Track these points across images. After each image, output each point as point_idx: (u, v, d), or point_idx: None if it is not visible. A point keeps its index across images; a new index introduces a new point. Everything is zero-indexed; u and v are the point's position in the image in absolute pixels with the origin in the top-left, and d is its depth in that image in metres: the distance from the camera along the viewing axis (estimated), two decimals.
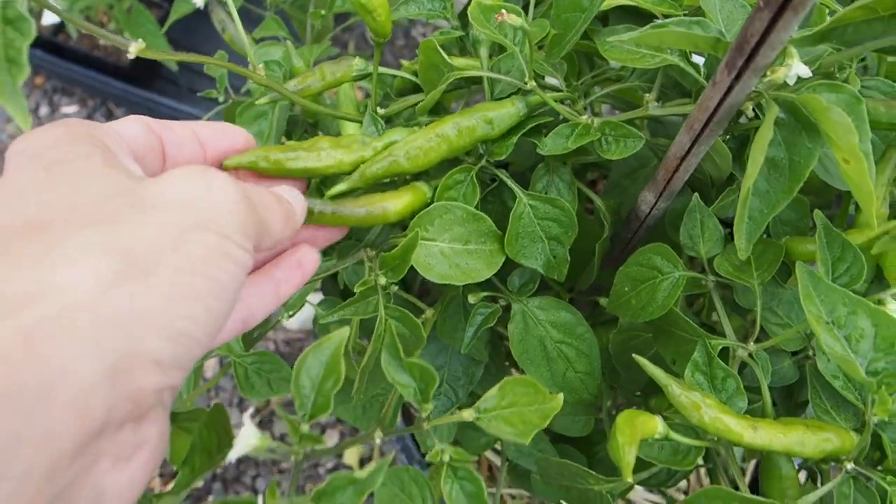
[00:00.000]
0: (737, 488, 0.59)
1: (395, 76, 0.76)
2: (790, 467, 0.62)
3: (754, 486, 1.06)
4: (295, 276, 0.53)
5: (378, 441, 0.55)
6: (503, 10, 0.57)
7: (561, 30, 0.64)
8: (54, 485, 0.31)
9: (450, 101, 0.84)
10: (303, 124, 0.89)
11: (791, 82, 0.52)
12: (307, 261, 0.54)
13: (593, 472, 0.66)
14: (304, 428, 0.50)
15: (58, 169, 0.38)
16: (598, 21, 0.70)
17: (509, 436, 0.52)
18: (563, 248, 0.66)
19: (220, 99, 0.97)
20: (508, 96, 0.65)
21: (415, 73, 0.72)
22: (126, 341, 0.33)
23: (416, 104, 0.70)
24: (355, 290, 0.60)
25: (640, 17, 0.69)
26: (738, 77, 0.50)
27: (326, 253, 0.75)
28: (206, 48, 0.84)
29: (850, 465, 0.57)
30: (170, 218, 0.37)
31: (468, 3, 0.66)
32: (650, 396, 0.82)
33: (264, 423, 1.60)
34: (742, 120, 0.62)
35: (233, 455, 0.47)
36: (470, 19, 0.63)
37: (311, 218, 0.56)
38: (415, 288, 0.99)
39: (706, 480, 1.21)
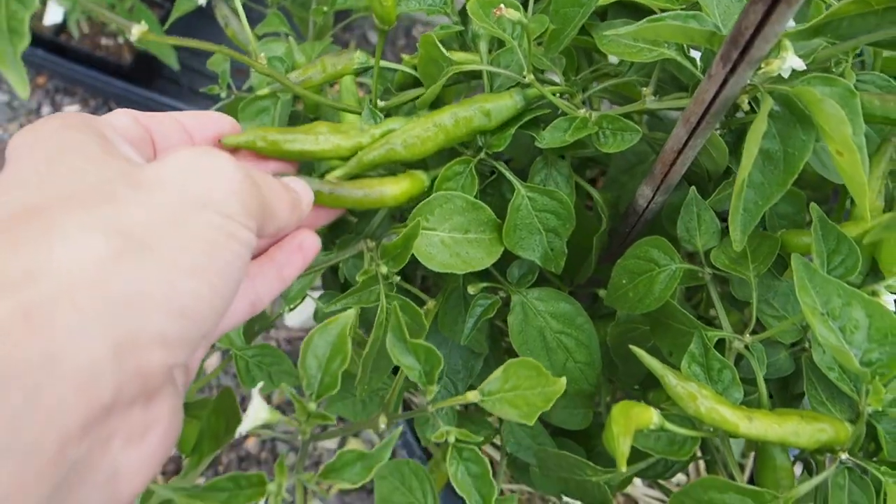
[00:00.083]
0: (733, 479, 0.60)
1: (395, 70, 0.77)
2: (785, 458, 0.63)
3: (753, 482, 1.07)
4: (297, 259, 0.54)
5: (383, 426, 0.56)
6: (501, 5, 0.57)
7: (559, 24, 0.65)
8: (65, 461, 0.31)
9: (450, 97, 0.84)
10: (304, 120, 0.89)
11: (786, 75, 0.52)
12: (308, 244, 0.55)
13: (590, 463, 0.66)
14: (312, 406, 0.51)
15: (57, 158, 0.38)
16: (596, 17, 0.71)
17: (514, 417, 0.52)
18: (561, 241, 0.67)
19: (223, 95, 0.98)
20: (507, 90, 0.66)
21: (415, 68, 0.73)
22: (129, 318, 0.33)
23: (416, 98, 0.70)
24: (357, 280, 0.60)
25: (638, 12, 0.69)
26: (733, 70, 0.51)
27: (327, 247, 0.75)
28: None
29: (844, 456, 0.57)
30: (170, 197, 0.38)
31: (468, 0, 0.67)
32: (648, 390, 0.82)
33: None
34: (739, 114, 0.63)
35: (243, 428, 0.48)
36: (469, 14, 0.64)
37: None
38: (416, 284, 0.99)
39: (705, 475, 1.22)
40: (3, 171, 0.39)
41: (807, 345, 0.68)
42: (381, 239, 0.65)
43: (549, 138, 0.63)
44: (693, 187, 0.67)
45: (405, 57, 0.76)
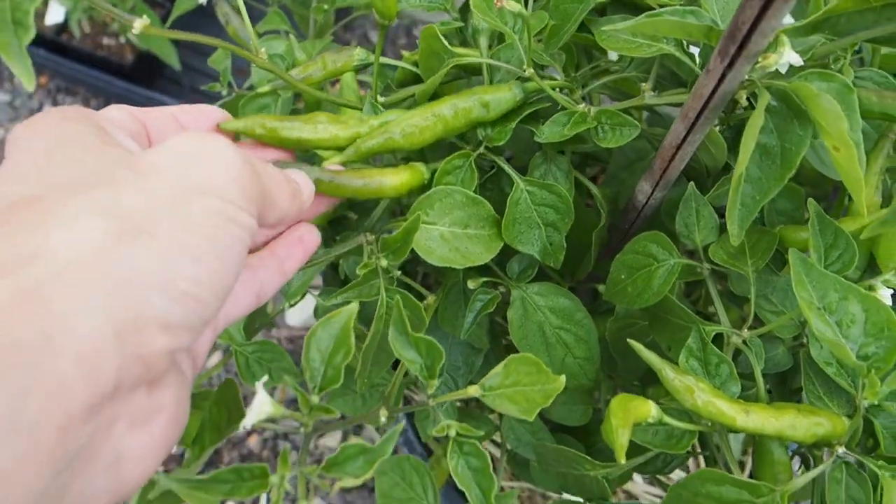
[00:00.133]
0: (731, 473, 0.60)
1: (396, 67, 0.77)
2: (782, 452, 0.63)
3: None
4: (298, 252, 0.54)
5: (383, 420, 0.56)
6: None
7: (559, 20, 0.65)
8: (67, 443, 0.31)
9: (449, 93, 0.85)
10: None
11: (783, 70, 0.53)
12: (308, 238, 0.55)
13: (588, 457, 0.67)
14: (314, 399, 0.51)
15: (56, 150, 0.38)
16: (595, 13, 0.71)
17: (513, 413, 0.52)
18: (560, 235, 0.67)
19: (224, 93, 0.98)
20: (506, 83, 0.66)
21: (415, 64, 0.73)
22: (128, 300, 0.33)
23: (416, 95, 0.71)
24: (357, 273, 0.60)
25: (636, 9, 0.69)
26: (730, 65, 0.51)
27: (327, 243, 0.76)
28: (208, 47, 0.84)
29: (841, 450, 0.58)
30: (169, 182, 0.38)
31: None
32: (648, 386, 0.83)
33: None
34: (738, 111, 0.63)
35: (248, 421, 0.48)
36: (471, 6, 0.64)
37: None
38: (417, 280, 1.00)
39: None
40: (3, 163, 0.39)
41: (805, 340, 0.68)
42: (380, 233, 0.65)
43: (548, 133, 0.63)
44: (692, 183, 0.68)
45: (405, 53, 0.76)
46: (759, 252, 0.65)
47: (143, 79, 2.02)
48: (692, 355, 0.62)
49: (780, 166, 0.55)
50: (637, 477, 1.27)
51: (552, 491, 0.85)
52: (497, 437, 0.89)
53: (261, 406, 0.48)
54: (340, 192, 0.59)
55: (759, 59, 0.52)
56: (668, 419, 0.59)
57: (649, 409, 0.58)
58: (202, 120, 0.55)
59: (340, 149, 0.62)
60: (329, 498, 1.60)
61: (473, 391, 0.54)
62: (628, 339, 0.61)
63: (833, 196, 0.84)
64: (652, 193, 0.68)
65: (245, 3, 0.69)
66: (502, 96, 0.64)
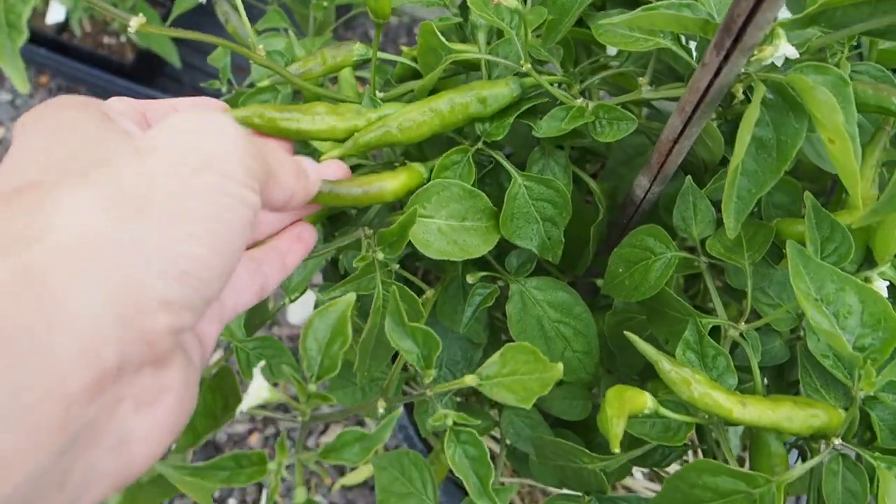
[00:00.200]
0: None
1: (395, 62, 0.77)
2: (779, 444, 0.64)
3: None
4: (298, 248, 0.54)
5: (381, 411, 0.56)
6: None
7: (557, 15, 0.66)
8: (70, 423, 0.31)
9: (448, 89, 0.85)
10: None
11: (779, 63, 0.53)
12: (307, 235, 0.56)
13: (586, 450, 0.67)
14: (312, 388, 0.51)
15: (58, 136, 0.38)
16: (593, 8, 0.72)
17: (510, 401, 0.53)
18: (558, 230, 0.67)
19: (223, 90, 0.99)
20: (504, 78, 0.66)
21: (415, 60, 0.73)
22: (128, 281, 0.33)
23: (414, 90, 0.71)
24: (354, 266, 0.61)
25: (634, 4, 0.70)
26: (726, 58, 0.51)
27: (327, 239, 0.76)
28: (208, 45, 0.85)
29: (837, 441, 0.58)
30: (168, 160, 0.37)
31: None
32: (646, 380, 0.83)
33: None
34: (735, 104, 0.63)
35: (244, 405, 0.48)
36: (469, 3, 0.64)
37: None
38: (418, 277, 1.00)
39: None
40: (9, 150, 0.39)
41: (802, 333, 0.68)
42: (378, 227, 0.65)
43: (546, 127, 0.64)
44: (689, 177, 0.68)
45: (405, 49, 0.77)
46: (756, 245, 0.65)
47: (144, 77, 2.02)
48: (689, 348, 0.62)
49: (776, 159, 0.55)
50: (637, 473, 1.27)
51: (551, 485, 0.85)
52: (497, 433, 0.89)
53: (258, 391, 0.48)
54: (341, 201, 0.59)
55: (755, 52, 0.52)
56: (664, 411, 0.59)
57: (645, 401, 0.58)
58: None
59: (338, 140, 0.62)
60: (330, 496, 1.60)
61: (470, 380, 0.55)
62: (625, 332, 0.61)
63: (832, 191, 0.84)
64: (650, 188, 0.68)
65: (245, 1, 0.69)
66: (499, 92, 0.64)
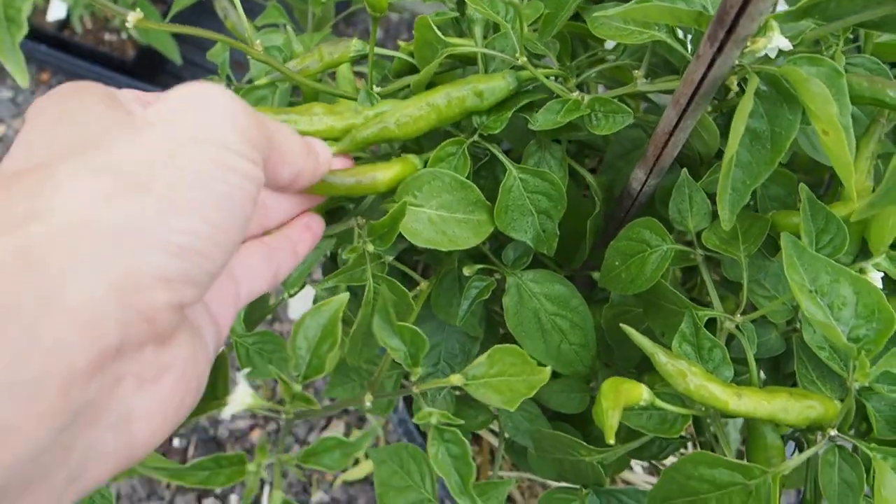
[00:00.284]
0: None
1: (393, 58, 0.78)
2: (775, 436, 0.64)
3: None
4: (307, 237, 0.55)
5: (368, 404, 0.56)
6: None
7: (553, 9, 0.66)
8: (70, 401, 0.31)
9: (445, 83, 0.85)
10: None
11: (772, 55, 0.53)
12: (315, 224, 0.56)
13: (583, 443, 0.67)
14: (297, 388, 0.51)
15: (64, 118, 0.38)
16: (590, 1, 0.72)
17: (496, 402, 0.53)
18: (553, 223, 0.67)
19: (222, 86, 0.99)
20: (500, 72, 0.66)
21: (412, 55, 0.74)
22: (125, 258, 0.33)
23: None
24: (344, 257, 0.61)
25: None
26: (720, 50, 0.51)
27: (326, 235, 0.76)
28: (209, 42, 0.85)
29: (833, 432, 0.58)
30: (162, 135, 0.37)
31: None
32: (644, 373, 0.83)
33: None
34: (730, 97, 0.63)
35: (227, 412, 0.48)
36: None
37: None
38: (418, 271, 1.00)
39: None
40: (18, 135, 0.39)
41: (798, 325, 0.68)
42: (370, 216, 0.65)
43: (541, 120, 0.64)
44: (685, 169, 0.68)
45: (402, 44, 0.77)
46: (752, 237, 0.65)
47: (145, 74, 2.03)
48: (685, 340, 0.63)
49: (771, 150, 0.56)
50: (637, 467, 1.28)
51: (550, 478, 0.85)
52: (496, 427, 0.89)
53: (241, 397, 0.48)
54: (333, 191, 0.59)
55: (748, 44, 0.52)
56: (660, 403, 0.59)
57: (641, 393, 0.58)
58: None
59: (336, 139, 0.62)
60: (332, 491, 1.60)
61: (456, 380, 0.55)
62: (621, 325, 0.61)
63: (829, 184, 0.84)
64: (646, 181, 0.69)
65: None
66: (496, 85, 0.64)
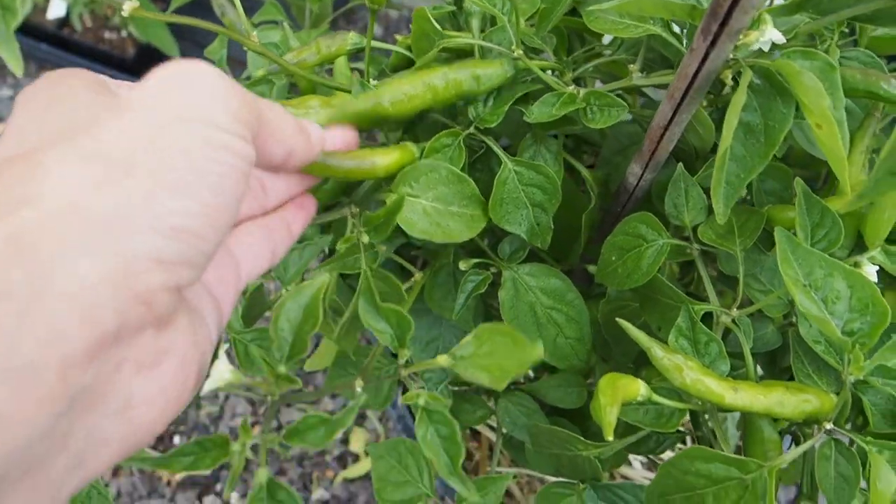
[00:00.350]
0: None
1: (390, 53, 0.78)
2: (772, 430, 0.64)
3: None
4: (301, 215, 0.54)
5: (359, 390, 0.56)
6: None
7: (549, 3, 0.66)
8: (68, 387, 0.30)
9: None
10: None
11: (766, 48, 0.53)
12: (307, 203, 0.55)
13: (580, 437, 0.67)
14: (282, 369, 0.51)
15: (52, 106, 0.38)
16: None
17: (485, 381, 0.52)
18: (547, 216, 0.67)
19: None
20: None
21: (409, 49, 0.74)
22: (118, 241, 0.32)
23: None
24: (338, 248, 0.61)
25: None
26: (713, 43, 0.51)
27: (324, 230, 0.76)
28: (208, 39, 0.85)
29: (828, 426, 0.58)
30: (147, 115, 0.36)
31: None
32: (641, 368, 0.83)
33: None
34: (726, 91, 0.64)
35: (206, 388, 0.47)
36: None
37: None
38: (417, 266, 1.00)
39: None
40: (6, 124, 0.39)
41: (794, 319, 0.68)
42: (366, 206, 0.65)
43: (537, 113, 0.64)
44: (680, 164, 0.68)
45: (399, 38, 0.77)
46: (748, 232, 0.65)
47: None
48: (681, 334, 0.63)
49: (764, 144, 0.56)
50: (636, 463, 1.28)
51: (547, 473, 0.85)
52: (494, 423, 0.89)
53: (220, 373, 0.47)
54: (332, 172, 0.58)
55: (741, 37, 0.52)
56: (657, 398, 0.60)
57: (638, 388, 0.58)
58: None
59: None
60: (333, 489, 1.60)
61: (443, 360, 0.54)
62: (617, 319, 0.61)
63: (826, 179, 0.84)
64: (642, 175, 0.69)
65: None
66: (493, 71, 0.64)
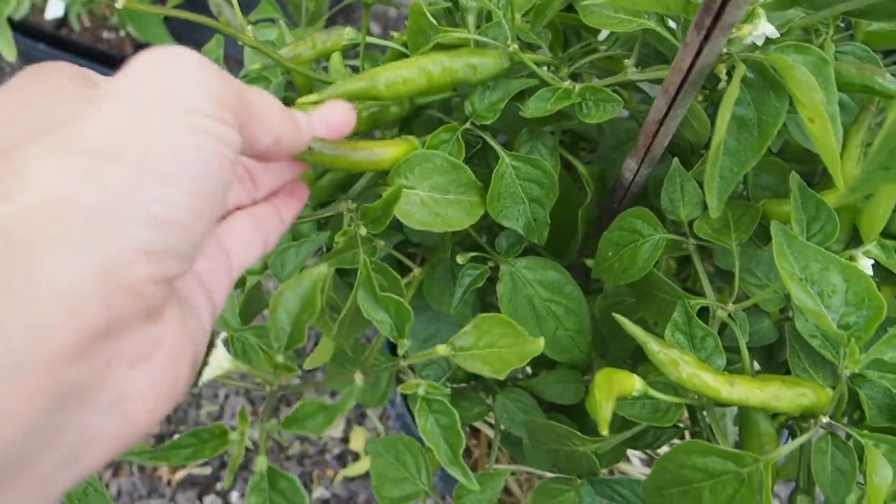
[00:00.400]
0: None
1: (386, 50, 0.78)
2: (769, 424, 0.64)
3: None
4: (292, 202, 0.54)
5: (359, 383, 0.56)
6: None
7: None
8: (59, 383, 0.30)
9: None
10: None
11: (759, 42, 0.53)
12: (298, 190, 0.55)
13: (577, 433, 0.67)
14: (280, 359, 0.50)
15: (31, 101, 0.38)
16: None
17: (486, 373, 0.52)
18: (544, 211, 0.67)
19: None
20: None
21: (405, 45, 0.74)
22: (103, 234, 0.32)
23: None
24: (336, 241, 0.61)
25: None
26: (707, 37, 0.51)
27: (321, 227, 0.76)
28: (206, 39, 0.85)
29: (825, 420, 0.58)
30: (127, 103, 0.35)
31: None
32: (638, 363, 0.83)
33: None
34: (721, 86, 0.64)
35: (205, 377, 0.47)
36: None
37: (310, 156, 0.54)
38: (416, 262, 1.01)
39: None
40: None
41: (790, 313, 0.69)
42: (361, 200, 0.64)
43: (532, 108, 0.64)
44: (676, 159, 0.68)
45: (395, 34, 0.77)
46: (743, 226, 0.65)
47: None
48: (678, 329, 0.63)
49: (758, 138, 0.56)
50: (635, 459, 1.28)
51: (545, 469, 0.86)
52: (492, 420, 0.89)
53: (218, 361, 0.47)
54: (339, 163, 0.58)
55: (734, 31, 0.52)
56: (653, 392, 0.60)
57: (634, 383, 0.58)
58: None
59: None
60: (333, 487, 1.61)
61: (443, 350, 0.54)
62: (614, 314, 0.61)
63: (823, 174, 0.84)
64: (638, 170, 0.69)
65: None
66: (489, 60, 0.64)
